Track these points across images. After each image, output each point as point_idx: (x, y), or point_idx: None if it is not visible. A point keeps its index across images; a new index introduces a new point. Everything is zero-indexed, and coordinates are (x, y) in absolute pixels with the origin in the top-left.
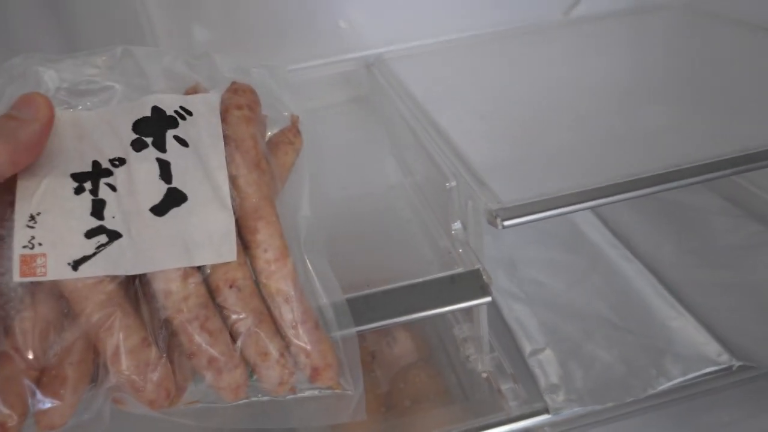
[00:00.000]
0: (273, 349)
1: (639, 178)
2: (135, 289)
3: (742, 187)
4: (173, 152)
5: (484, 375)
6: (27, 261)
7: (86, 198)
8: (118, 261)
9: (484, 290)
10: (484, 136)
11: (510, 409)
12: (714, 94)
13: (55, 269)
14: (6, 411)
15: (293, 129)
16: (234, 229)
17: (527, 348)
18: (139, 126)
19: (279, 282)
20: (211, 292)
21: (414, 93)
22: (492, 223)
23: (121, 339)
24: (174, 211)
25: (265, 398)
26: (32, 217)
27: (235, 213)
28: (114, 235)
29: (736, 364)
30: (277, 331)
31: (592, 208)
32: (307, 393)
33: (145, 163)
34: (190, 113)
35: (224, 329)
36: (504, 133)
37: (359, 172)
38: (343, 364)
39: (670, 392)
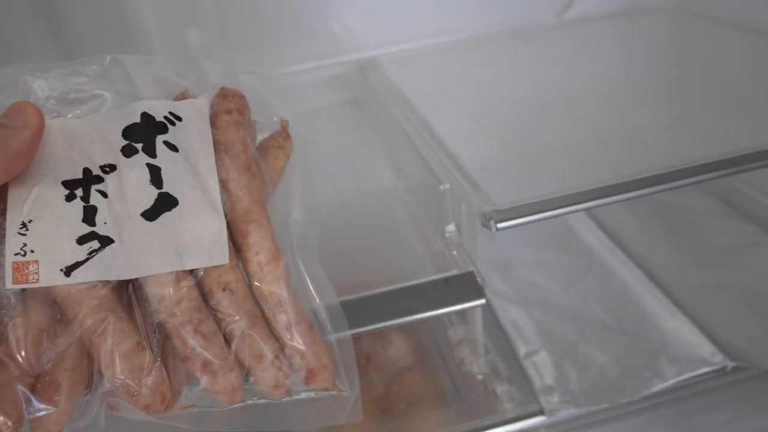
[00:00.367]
0: (267, 352)
1: (633, 179)
2: (128, 294)
3: (735, 188)
4: (163, 157)
5: (479, 377)
6: (19, 268)
7: (77, 205)
8: (110, 266)
9: (478, 292)
10: (478, 139)
11: (505, 411)
12: (706, 95)
13: (48, 276)
14: (1, 418)
15: (283, 133)
16: (225, 232)
17: (522, 350)
18: (128, 132)
19: (271, 284)
20: (204, 295)
21: (407, 95)
22: (486, 225)
23: (114, 344)
24: (165, 216)
25: (261, 401)
26: (24, 225)
27: (226, 216)
28: (106, 241)
29: (731, 364)
30: (271, 333)
31: (586, 209)
32: (303, 395)
33: (136, 168)
34: (179, 119)
35: (218, 332)
36: (497, 136)
37: (353, 174)
38: (338, 365)
39: (665, 393)
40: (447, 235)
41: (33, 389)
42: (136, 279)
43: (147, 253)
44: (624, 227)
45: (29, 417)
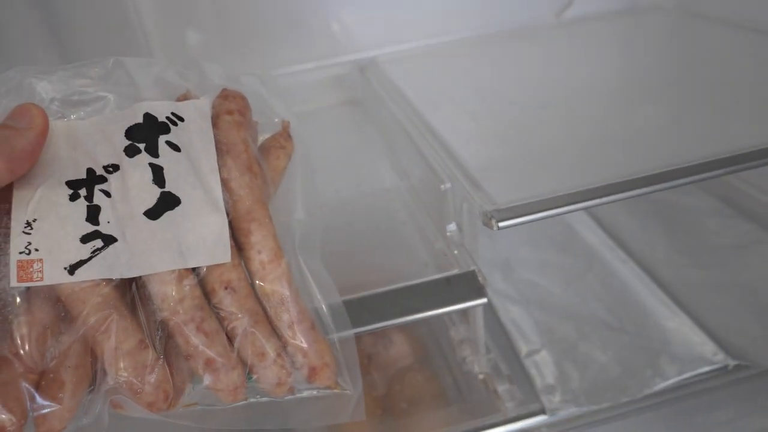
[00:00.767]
0: (270, 349)
1: (633, 178)
2: (131, 292)
3: (734, 187)
4: (166, 157)
5: (481, 376)
6: (24, 266)
7: (81, 204)
8: (113, 265)
9: (479, 291)
10: (478, 138)
11: (507, 410)
12: (706, 94)
13: (52, 274)
14: (5, 415)
15: (284, 134)
16: (227, 230)
17: (523, 349)
18: (131, 132)
19: (273, 283)
20: (207, 294)
21: (408, 95)
22: (487, 224)
23: (117, 341)
24: (168, 215)
25: (264, 399)
26: (28, 224)
27: (228, 215)
28: (109, 240)
29: (732, 363)
30: (274, 331)
31: (586, 208)
32: (306, 393)
33: (139, 168)
34: (181, 119)
35: (220, 330)
36: (498, 135)
37: (354, 174)
38: (340, 363)
39: (666, 392)
40: (448, 234)
41: (37, 387)
42: (139, 277)
43: (150, 251)
44: (624, 226)
45: (33, 414)
